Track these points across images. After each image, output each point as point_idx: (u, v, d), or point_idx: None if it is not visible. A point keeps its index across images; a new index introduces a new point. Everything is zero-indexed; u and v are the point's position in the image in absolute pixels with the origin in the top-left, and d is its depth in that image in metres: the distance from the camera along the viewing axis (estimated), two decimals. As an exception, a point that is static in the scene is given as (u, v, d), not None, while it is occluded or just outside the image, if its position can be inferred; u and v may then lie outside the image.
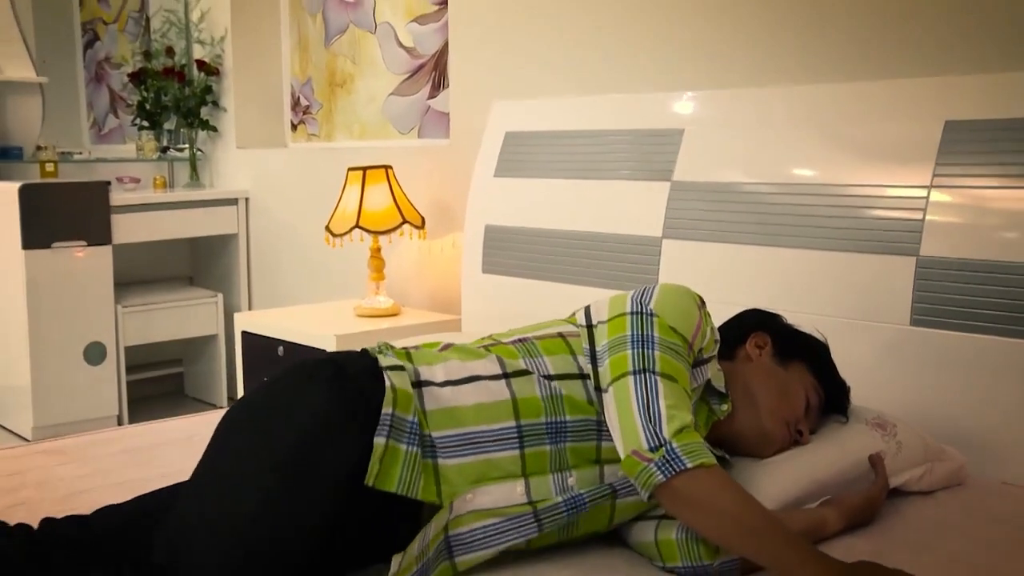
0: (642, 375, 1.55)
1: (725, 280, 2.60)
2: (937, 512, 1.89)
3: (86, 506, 1.69)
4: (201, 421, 2.58)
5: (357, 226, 3.48)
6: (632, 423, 1.51)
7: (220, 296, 4.71)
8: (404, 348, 1.70)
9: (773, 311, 1.98)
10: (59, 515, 1.64)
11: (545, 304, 3.02)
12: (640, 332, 1.60)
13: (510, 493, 1.55)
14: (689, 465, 1.45)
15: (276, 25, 4.69)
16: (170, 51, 4.74)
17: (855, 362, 2.21)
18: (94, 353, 4.25)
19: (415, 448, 1.51)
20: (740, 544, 1.48)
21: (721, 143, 2.72)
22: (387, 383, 1.54)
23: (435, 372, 1.63)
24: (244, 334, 3.72)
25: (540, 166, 3.15)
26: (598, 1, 3.12)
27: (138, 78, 4.72)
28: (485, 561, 1.55)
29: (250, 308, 4.67)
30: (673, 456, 1.46)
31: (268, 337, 3.60)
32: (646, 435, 1.49)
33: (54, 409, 4.16)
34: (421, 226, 3.58)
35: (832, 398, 1.91)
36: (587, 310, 1.75)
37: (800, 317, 2.20)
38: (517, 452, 1.57)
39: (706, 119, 2.78)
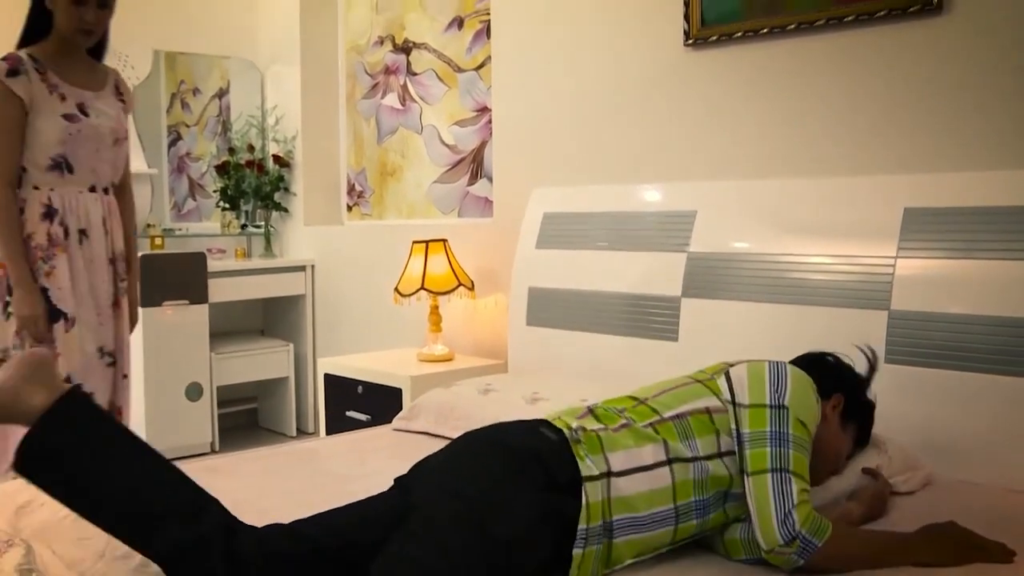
0: (777, 474, 1.60)
1: (734, 331, 2.63)
2: (919, 505, 2.00)
3: (302, 505, 1.76)
4: (332, 442, 2.75)
5: (422, 288, 3.53)
6: (769, 522, 1.58)
7: (291, 345, 4.75)
8: (594, 431, 1.69)
9: (843, 358, 1.99)
10: (286, 509, 1.70)
11: (581, 352, 3.04)
12: (777, 429, 1.65)
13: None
14: (819, 544, 1.56)
15: (336, 128, 4.81)
16: (251, 148, 4.85)
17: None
18: (193, 391, 4.28)
19: (601, 545, 1.58)
20: (873, 568, 1.60)
21: (727, 222, 2.75)
22: (583, 500, 1.56)
23: (617, 460, 1.64)
24: (327, 376, 3.69)
25: (576, 240, 3.14)
26: (621, 107, 3.18)
27: (222, 169, 4.83)
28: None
29: (315, 356, 4.68)
30: (806, 543, 1.56)
31: (347, 378, 3.59)
32: (781, 533, 1.56)
33: (163, 437, 4.13)
34: (472, 288, 3.64)
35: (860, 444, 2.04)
36: (728, 380, 1.76)
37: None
38: (672, 528, 1.65)
39: (715, 203, 2.79)
